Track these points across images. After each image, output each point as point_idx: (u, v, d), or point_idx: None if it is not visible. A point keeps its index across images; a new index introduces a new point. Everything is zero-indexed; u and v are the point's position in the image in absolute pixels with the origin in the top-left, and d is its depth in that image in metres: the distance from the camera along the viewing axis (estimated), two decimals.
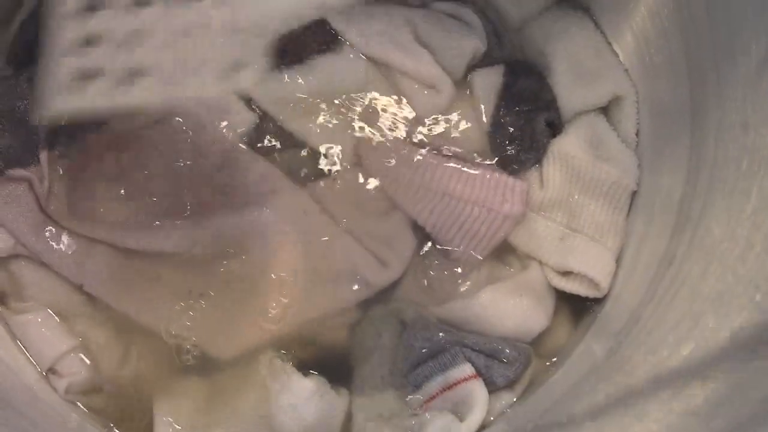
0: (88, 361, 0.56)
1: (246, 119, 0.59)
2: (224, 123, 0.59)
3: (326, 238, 0.58)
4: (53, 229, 0.57)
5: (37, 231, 0.56)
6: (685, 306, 0.42)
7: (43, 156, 0.57)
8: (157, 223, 0.58)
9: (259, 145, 0.60)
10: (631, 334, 0.47)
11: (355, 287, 0.57)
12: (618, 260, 0.57)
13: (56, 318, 0.57)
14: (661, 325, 0.44)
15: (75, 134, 0.58)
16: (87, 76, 0.54)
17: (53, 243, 0.57)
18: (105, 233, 0.57)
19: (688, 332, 0.40)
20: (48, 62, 0.54)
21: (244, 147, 0.59)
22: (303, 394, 0.54)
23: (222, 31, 0.55)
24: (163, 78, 0.55)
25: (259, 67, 0.55)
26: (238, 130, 0.59)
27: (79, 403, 0.56)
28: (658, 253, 0.51)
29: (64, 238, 0.57)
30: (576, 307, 0.59)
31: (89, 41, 0.55)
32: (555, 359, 0.57)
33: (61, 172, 0.58)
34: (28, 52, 0.58)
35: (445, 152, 0.59)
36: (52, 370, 0.56)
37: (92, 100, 0.54)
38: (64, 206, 0.57)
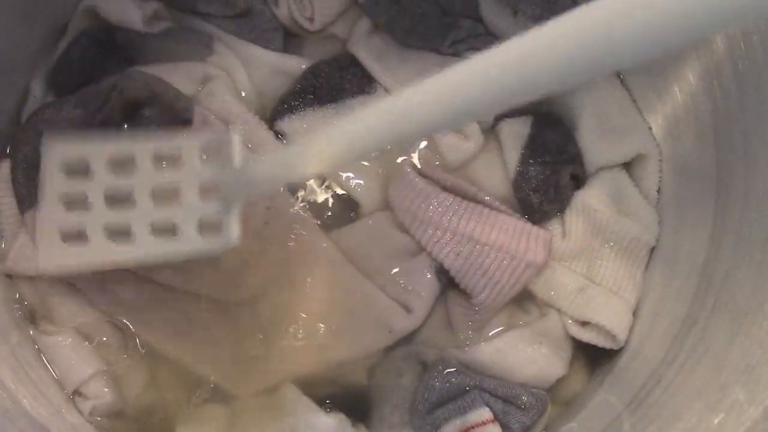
0: (112, 386, 0.57)
1: None
2: None
3: (351, 287, 0.59)
4: None
5: None
6: (711, 374, 0.44)
7: None
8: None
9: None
10: (654, 393, 0.49)
11: (380, 335, 0.58)
12: (635, 313, 0.59)
13: (84, 341, 0.57)
14: (685, 390, 0.45)
15: None
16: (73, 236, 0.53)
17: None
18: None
19: (717, 403, 0.41)
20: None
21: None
22: (324, 430, 0.55)
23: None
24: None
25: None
26: None
27: (103, 427, 0.57)
28: (680, 313, 0.52)
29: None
30: (592, 356, 0.60)
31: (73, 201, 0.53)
32: (570, 407, 0.59)
33: None
34: (71, 77, 0.60)
35: (471, 198, 0.61)
36: (78, 393, 0.57)
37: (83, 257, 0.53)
38: None
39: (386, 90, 0.63)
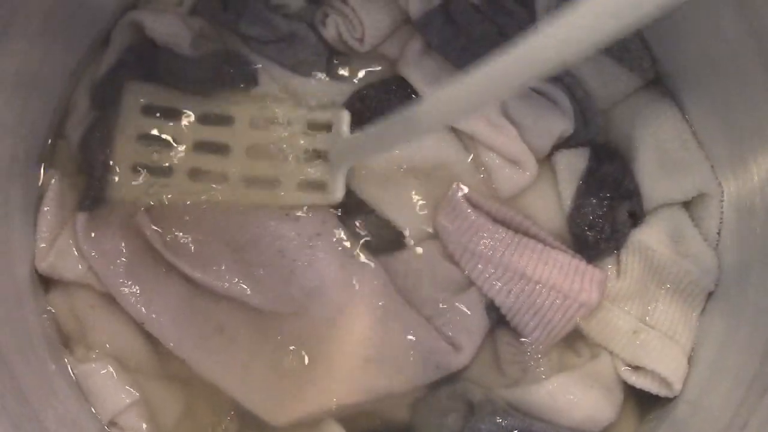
0: (148, 416, 0.55)
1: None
2: None
3: (398, 316, 0.57)
4: (125, 260, 0.56)
5: (111, 258, 0.56)
6: None
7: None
8: (224, 267, 0.57)
9: None
10: None
11: (425, 370, 0.57)
12: (693, 362, 0.57)
13: (120, 369, 0.56)
14: None
15: None
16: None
17: (123, 273, 0.56)
18: (171, 255, 0.56)
19: None
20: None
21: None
22: None
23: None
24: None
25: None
26: None
27: None
28: (748, 373, 0.50)
29: (135, 269, 0.56)
30: (642, 402, 0.59)
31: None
32: None
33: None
34: (115, 94, 0.58)
35: (524, 231, 0.59)
36: (113, 423, 0.55)
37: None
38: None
39: None
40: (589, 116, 0.61)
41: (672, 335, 0.57)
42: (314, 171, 0.59)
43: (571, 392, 0.56)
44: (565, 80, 0.61)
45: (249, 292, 0.57)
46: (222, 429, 0.57)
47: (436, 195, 0.61)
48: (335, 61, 0.63)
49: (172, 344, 0.56)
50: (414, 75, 0.61)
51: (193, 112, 0.59)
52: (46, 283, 0.57)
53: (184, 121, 0.59)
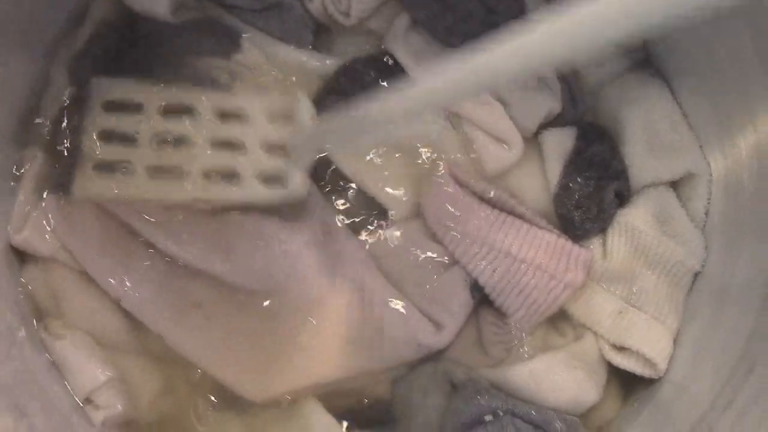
0: (125, 393, 0.54)
1: None
2: None
3: (380, 295, 0.56)
4: (100, 236, 0.55)
5: (85, 236, 0.55)
6: None
7: None
8: (200, 242, 0.56)
9: None
10: None
11: (407, 348, 0.56)
12: (677, 342, 0.56)
13: (96, 346, 0.54)
14: None
15: None
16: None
17: (98, 250, 0.55)
18: (145, 227, 0.56)
19: None
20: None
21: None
22: None
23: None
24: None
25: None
26: None
27: None
28: (733, 352, 0.49)
29: (110, 245, 0.55)
30: (626, 382, 0.58)
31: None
32: None
33: None
34: (93, 69, 0.57)
35: (509, 210, 0.58)
36: (88, 401, 0.54)
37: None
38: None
39: None
40: (577, 96, 0.61)
41: (657, 316, 0.57)
42: (275, 164, 0.55)
43: (555, 373, 0.55)
44: None
45: (225, 268, 0.56)
46: (201, 406, 0.56)
47: (421, 172, 0.60)
48: (322, 36, 0.62)
49: (148, 320, 0.55)
50: (400, 51, 0.60)
51: (153, 105, 0.56)
52: (21, 256, 0.56)
53: (145, 116, 0.56)
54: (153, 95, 0.56)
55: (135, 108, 0.56)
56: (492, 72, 0.36)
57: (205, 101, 0.56)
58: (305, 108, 0.55)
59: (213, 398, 0.57)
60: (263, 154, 0.55)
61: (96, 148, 0.55)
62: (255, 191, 0.55)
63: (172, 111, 0.56)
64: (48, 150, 0.57)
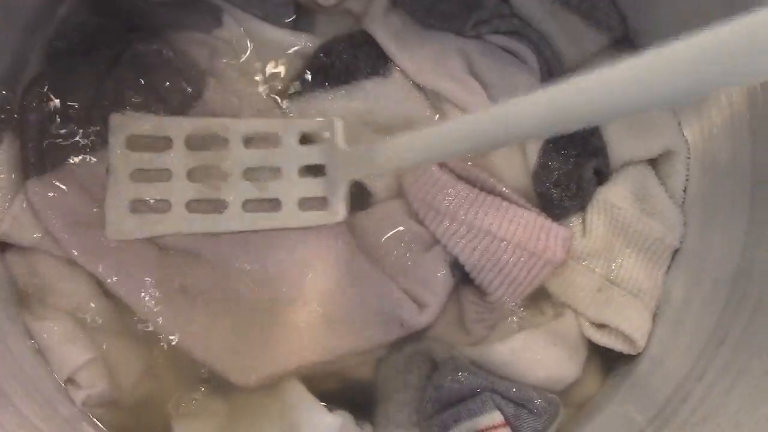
0: (107, 374, 0.54)
1: None
2: None
3: (362, 275, 0.56)
4: (85, 219, 0.55)
5: (69, 219, 0.55)
6: (748, 403, 0.41)
7: None
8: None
9: None
10: (681, 413, 0.46)
11: (389, 328, 0.56)
12: (655, 319, 0.56)
13: (78, 327, 0.55)
14: (719, 416, 0.42)
15: None
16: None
17: (82, 232, 0.55)
18: None
19: None
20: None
21: None
22: (327, 429, 0.53)
23: None
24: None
25: None
26: None
27: (96, 418, 0.54)
28: (707, 325, 0.50)
29: (95, 228, 0.55)
30: (606, 359, 0.58)
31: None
32: (583, 411, 0.57)
33: None
34: (70, 48, 0.57)
35: (489, 189, 0.58)
36: (70, 381, 0.54)
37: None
38: None
39: (402, 71, 0.60)
40: (556, 74, 0.61)
41: (636, 293, 0.57)
42: (312, 188, 0.57)
43: (535, 350, 0.56)
44: (532, 37, 0.60)
45: (207, 248, 0.56)
46: (184, 388, 0.57)
47: None
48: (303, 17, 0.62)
49: (133, 302, 0.55)
50: (379, 32, 0.60)
51: (180, 137, 0.56)
52: (2, 244, 0.56)
53: (174, 149, 0.56)
54: (177, 127, 0.56)
55: (163, 142, 0.56)
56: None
57: (231, 129, 0.56)
58: (340, 131, 0.56)
59: (196, 380, 0.57)
60: (298, 179, 0.57)
61: (130, 188, 0.55)
62: (296, 217, 0.56)
63: (198, 141, 0.56)
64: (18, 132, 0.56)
